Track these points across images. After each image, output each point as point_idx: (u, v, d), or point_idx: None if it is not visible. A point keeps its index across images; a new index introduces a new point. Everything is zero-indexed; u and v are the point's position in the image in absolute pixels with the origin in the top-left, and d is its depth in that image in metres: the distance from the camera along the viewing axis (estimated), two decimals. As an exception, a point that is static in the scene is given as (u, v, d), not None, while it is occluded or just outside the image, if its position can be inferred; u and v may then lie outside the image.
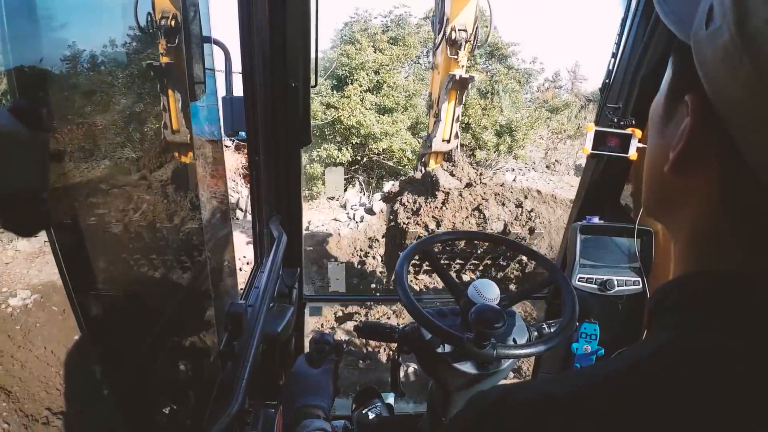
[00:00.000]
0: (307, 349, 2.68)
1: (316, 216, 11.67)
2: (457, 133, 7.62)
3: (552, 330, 1.67)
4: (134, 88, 1.12)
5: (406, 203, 7.65)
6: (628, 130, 2.20)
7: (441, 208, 7.36)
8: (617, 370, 0.47)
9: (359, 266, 9.45)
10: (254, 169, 1.98)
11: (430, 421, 1.93)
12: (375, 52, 15.29)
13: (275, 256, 1.80)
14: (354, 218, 11.25)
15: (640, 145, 2.18)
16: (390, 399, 2.27)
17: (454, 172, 7.74)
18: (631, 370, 0.46)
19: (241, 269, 8.07)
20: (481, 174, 7.91)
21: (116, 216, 0.97)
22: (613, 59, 2.24)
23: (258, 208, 2.06)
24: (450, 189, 7.43)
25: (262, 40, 1.74)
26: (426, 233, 7.27)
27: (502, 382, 1.74)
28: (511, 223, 7.47)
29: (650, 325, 0.56)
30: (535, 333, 1.73)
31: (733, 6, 0.40)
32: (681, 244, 0.56)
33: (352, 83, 14.75)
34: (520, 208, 7.65)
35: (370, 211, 11.22)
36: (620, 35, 2.16)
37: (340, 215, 11.45)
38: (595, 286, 2.32)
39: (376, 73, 14.82)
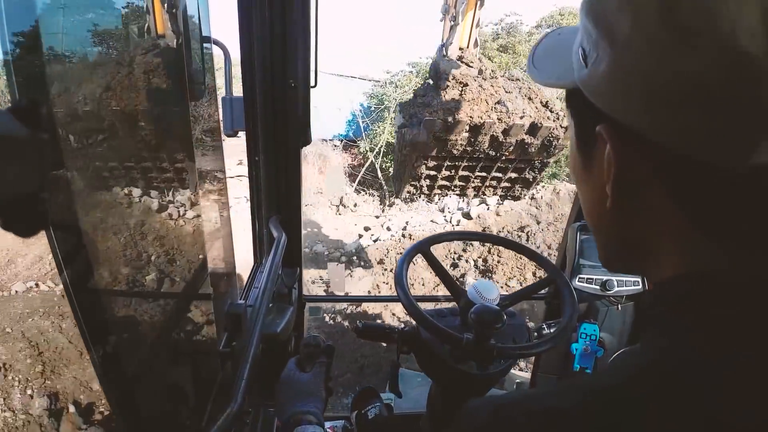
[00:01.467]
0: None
1: (415, 217, 11.98)
2: (476, 40, 6.67)
3: (552, 330, 1.67)
4: (133, 90, 1.12)
5: (418, 99, 6.58)
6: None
7: (458, 99, 6.29)
8: (617, 383, 0.47)
9: (451, 268, 9.31)
10: (254, 169, 1.98)
11: (429, 421, 1.93)
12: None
13: (275, 256, 1.80)
14: (450, 221, 11.49)
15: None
16: (389, 399, 2.27)
17: (463, 58, 6.54)
18: (629, 382, 0.46)
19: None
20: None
21: (116, 216, 0.97)
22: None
23: (257, 208, 2.06)
24: (467, 80, 6.32)
25: (262, 39, 1.74)
26: (440, 128, 6.25)
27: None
28: (539, 121, 6.27)
29: (643, 331, 0.56)
30: (535, 333, 1.74)
31: (598, 29, 0.48)
32: (654, 258, 0.56)
33: (459, 88, 14.83)
34: (545, 108, 6.54)
35: (467, 216, 11.35)
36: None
37: (437, 218, 11.70)
38: (595, 287, 2.32)
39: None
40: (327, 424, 2.29)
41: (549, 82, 0.61)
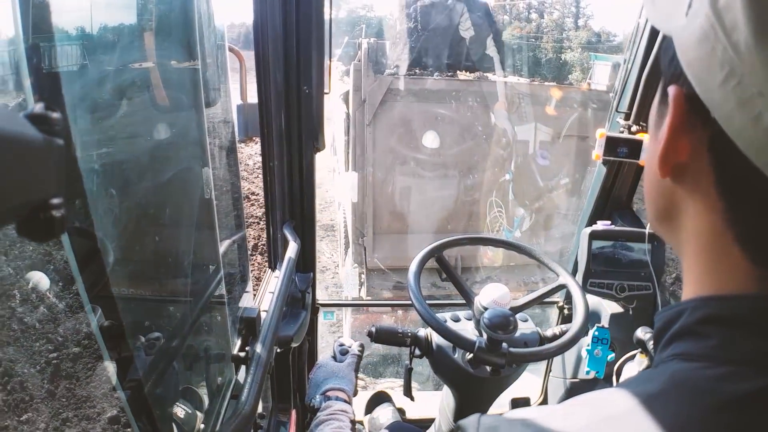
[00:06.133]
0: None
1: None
2: None
3: (563, 334, 1.67)
4: (149, 96, 1.13)
5: None
6: (639, 136, 2.19)
7: None
8: (628, 408, 0.43)
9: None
10: (268, 174, 2.00)
11: (441, 425, 1.93)
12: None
13: (289, 261, 1.81)
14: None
15: (653, 150, 2.17)
16: (402, 403, 2.27)
17: None
18: (644, 405, 0.42)
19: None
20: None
21: (131, 221, 0.98)
22: (625, 65, 2.23)
23: (272, 213, 2.08)
24: None
25: (276, 46, 1.76)
26: None
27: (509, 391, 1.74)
28: None
29: (656, 348, 0.51)
30: (547, 337, 1.74)
31: None
32: (687, 260, 0.50)
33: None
34: None
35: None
36: (632, 42, 2.15)
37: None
38: (606, 291, 2.31)
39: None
40: None
41: (654, 20, 0.49)
